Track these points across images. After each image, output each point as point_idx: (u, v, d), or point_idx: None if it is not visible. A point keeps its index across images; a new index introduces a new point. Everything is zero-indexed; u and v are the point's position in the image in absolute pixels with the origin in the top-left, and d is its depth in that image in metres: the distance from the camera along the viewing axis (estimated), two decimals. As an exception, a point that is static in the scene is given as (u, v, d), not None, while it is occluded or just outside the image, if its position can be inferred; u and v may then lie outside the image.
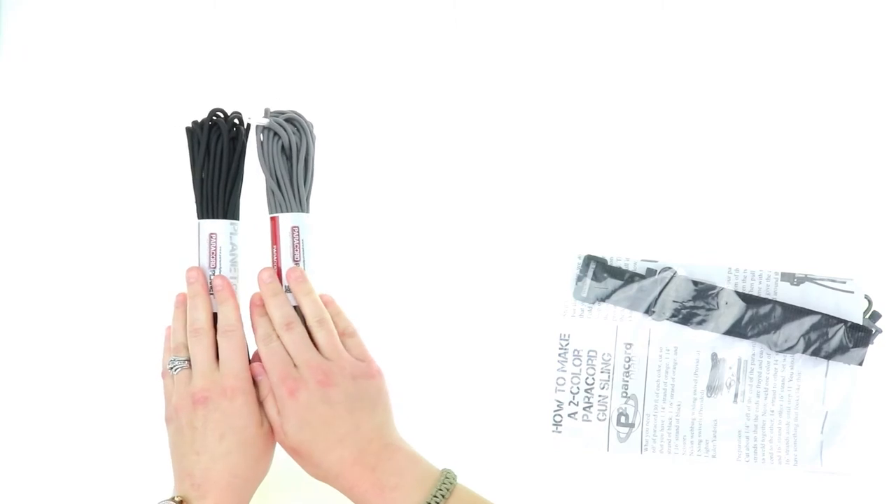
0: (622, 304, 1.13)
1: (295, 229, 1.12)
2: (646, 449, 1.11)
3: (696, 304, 1.11)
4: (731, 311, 1.11)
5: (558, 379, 1.11)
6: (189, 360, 1.06)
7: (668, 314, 1.12)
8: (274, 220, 1.12)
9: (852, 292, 1.11)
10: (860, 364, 1.11)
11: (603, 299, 1.13)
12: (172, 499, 1.00)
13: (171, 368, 1.07)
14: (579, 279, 1.13)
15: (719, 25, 1.21)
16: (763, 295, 1.11)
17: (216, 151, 1.14)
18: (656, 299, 1.12)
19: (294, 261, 1.12)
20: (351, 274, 1.20)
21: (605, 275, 1.13)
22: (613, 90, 1.22)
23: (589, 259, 1.13)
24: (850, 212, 1.18)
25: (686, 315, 1.12)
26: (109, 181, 1.24)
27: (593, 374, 1.11)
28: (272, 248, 1.13)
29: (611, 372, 1.11)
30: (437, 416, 1.17)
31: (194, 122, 1.15)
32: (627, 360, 1.12)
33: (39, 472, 1.22)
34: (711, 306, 1.11)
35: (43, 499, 1.22)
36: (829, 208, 1.19)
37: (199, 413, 1.02)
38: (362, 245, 1.22)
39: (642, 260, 1.14)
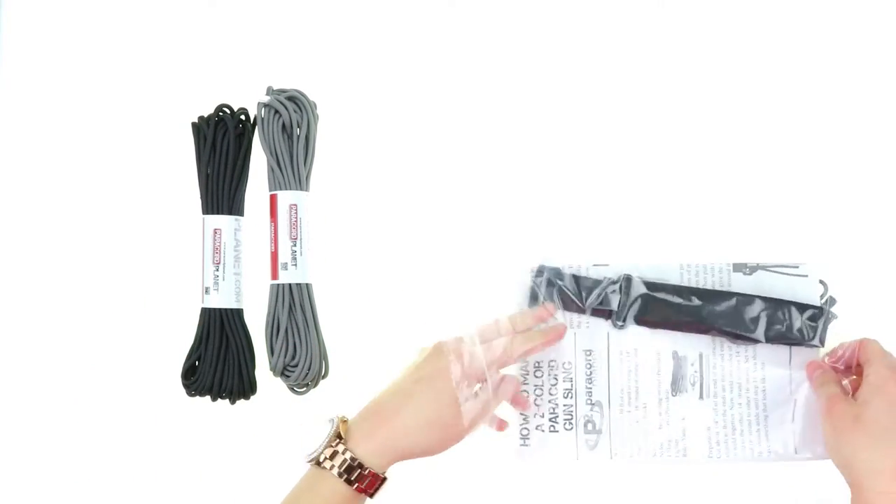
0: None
1: (293, 207, 1.13)
2: (615, 454, 1.09)
3: None
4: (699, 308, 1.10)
5: (521, 392, 1.10)
6: None
7: (633, 319, 1.11)
8: (273, 198, 1.13)
9: (806, 276, 1.10)
10: (822, 345, 1.09)
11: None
12: (338, 416, 1.00)
13: None
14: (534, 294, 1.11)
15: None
16: (717, 288, 1.11)
17: (222, 147, 1.16)
18: (620, 307, 1.11)
19: (291, 238, 1.12)
20: (344, 260, 1.20)
21: (560, 288, 1.11)
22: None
23: (542, 271, 1.12)
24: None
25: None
26: (115, 176, 1.25)
27: (555, 385, 1.10)
28: (270, 224, 1.14)
29: (573, 380, 1.10)
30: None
31: (200, 118, 1.17)
32: (588, 366, 1.10)
33: (40, 473, 1.21)
34: None
35: (43, 499, 1.21)
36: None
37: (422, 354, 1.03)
38: (359, 233, 1.21)
39: (594, 265, 1.13)
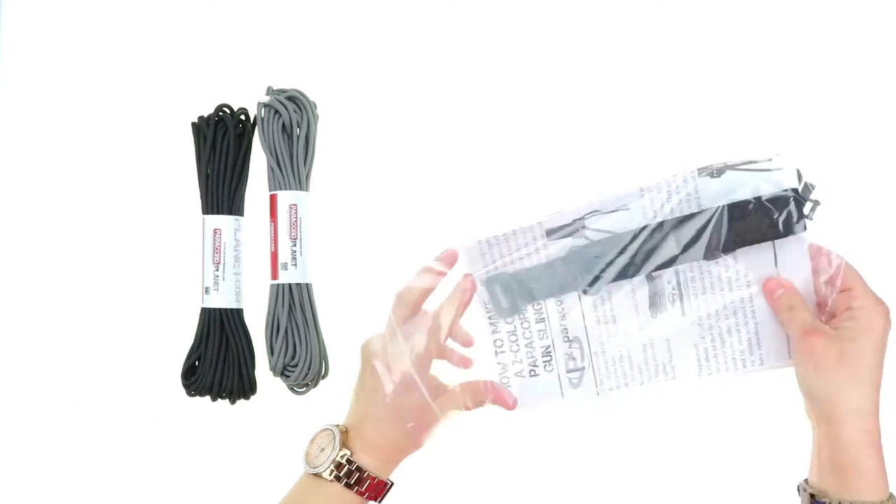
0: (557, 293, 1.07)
1: (293, 207, 1.13)
2: (601, 387, 1.04)
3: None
4: (667, 244, 1.05)
5: (496, 342, 1.05)
6: None
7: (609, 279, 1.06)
8: (273, 198, 1.14)
9: (781, 169, 0.97)
10: (805, 230, 0.97)
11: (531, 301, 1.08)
12: (338, 426, 0.98)
13: None
14: (494, 301, 1.08)
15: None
16: (684, 196, 1.01)
17: (222, 147, 1.16)
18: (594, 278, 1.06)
19: (291, 238, 1.13)
20: (344, 260, 1.20)
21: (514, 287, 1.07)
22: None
23: (492, 283, 1.08)
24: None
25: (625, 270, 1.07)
26: (115, 176, 1.25)
27: (528, 327, 1.04)
28: (270, 224, 1.14)
29: (546, 320, 1.05)
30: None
31: (200, 118, 1.17)
32: (559, 302, 1.04)
33: (40, 473, 1.21)
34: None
35: (43, 499, 1.21)
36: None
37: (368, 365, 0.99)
38: (359, 233, 1.21)
39: (548, 216, 1.08)
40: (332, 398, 1.16)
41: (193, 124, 1.17)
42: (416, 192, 1.20)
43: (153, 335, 1.20)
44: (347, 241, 1.19)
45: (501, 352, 1.04)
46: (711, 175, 0.98)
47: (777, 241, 0.98)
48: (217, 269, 1.16)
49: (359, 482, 0.95)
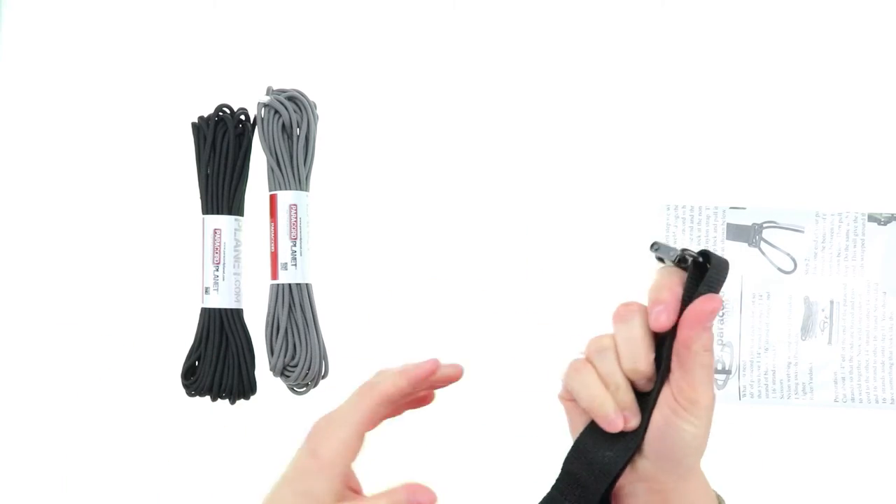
0: None
1: (293, 207, 1.13)
2: (744, 395, 1.10)
3: None
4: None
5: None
6: None
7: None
8: (273, 198, 1.14)
9: None
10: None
11: None
12: None
13: None
14: None
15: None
16: (851, 235, 1.10)
17: (222, 147, 1.16)
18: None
19: (291, 238, 1.13)
20: (344, 260, 1.20)
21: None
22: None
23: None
24: None
25: None
26: (115, 176, 1.25)
27: None
28: (270, 224, 1.14)
29: None
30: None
31: (200, 118, 1.17)
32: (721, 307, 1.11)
33: (40, 473, 1.21)
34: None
35: (43, 499, 1.21)
36: None
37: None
38: (359, 233, 1.21)
39: (730, 208, 1.12)
40: (332, 398, 1.16)
41: (193, 124, 1.17)
42: (416, 192, 1.20)
43: (153, 335, 1.20)
44: (347, 241, 1.19)
45: None
46: (879, 223, 1.10)
47: None
48: (217, 270, 1.16)
49: None
